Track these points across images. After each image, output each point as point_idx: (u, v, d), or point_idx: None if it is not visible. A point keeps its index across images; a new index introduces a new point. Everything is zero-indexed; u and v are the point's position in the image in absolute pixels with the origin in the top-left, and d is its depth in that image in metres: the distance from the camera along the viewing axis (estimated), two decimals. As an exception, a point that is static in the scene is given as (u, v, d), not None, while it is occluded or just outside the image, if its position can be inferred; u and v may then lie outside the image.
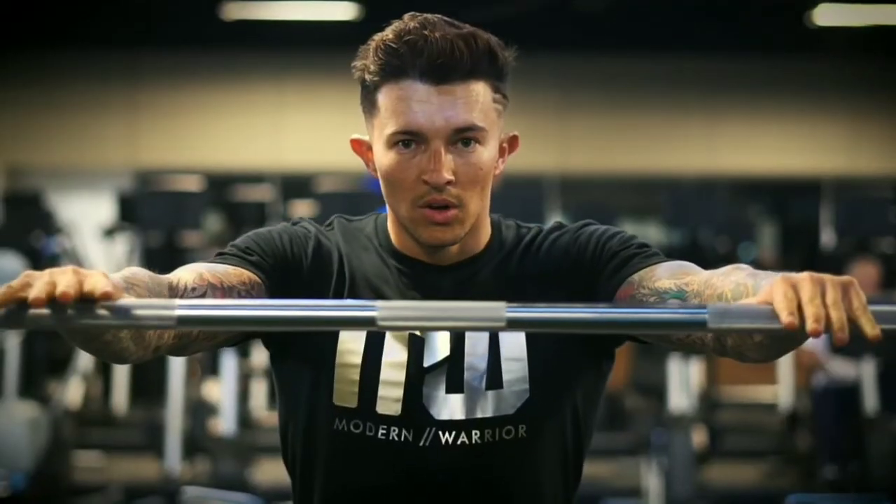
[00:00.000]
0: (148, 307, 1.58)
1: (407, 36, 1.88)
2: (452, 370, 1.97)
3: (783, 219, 12.73)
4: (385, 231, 2.05)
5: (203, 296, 1.84)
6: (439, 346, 1.97)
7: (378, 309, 1.59)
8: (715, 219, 9.94)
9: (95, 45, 12.72)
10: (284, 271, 1.99)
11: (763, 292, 1.56)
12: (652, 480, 7.23)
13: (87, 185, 12.96)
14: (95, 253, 10.52)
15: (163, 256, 9.39)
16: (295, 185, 12.42)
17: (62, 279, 1.53)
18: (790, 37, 12.42)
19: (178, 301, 1.59)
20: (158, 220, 9.44)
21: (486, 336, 1.97)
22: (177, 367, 7.10)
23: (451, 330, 1.91)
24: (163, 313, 1.56)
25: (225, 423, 7.09)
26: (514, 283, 2.01)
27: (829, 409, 7.65)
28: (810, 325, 1.50)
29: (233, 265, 1.94)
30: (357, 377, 1.96)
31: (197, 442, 7.29)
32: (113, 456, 8.50)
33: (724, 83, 13.21)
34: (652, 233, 13.00)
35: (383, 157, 1.93)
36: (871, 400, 7.28)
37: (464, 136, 1.91)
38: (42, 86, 12.93)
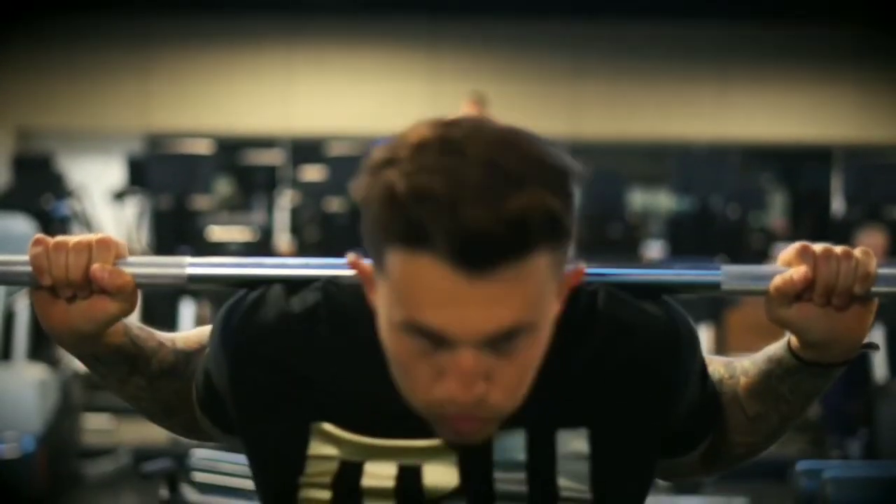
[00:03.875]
0: (158, 265, 1.59)
1: (428, 199, 1.29)
2: None
3: (793, 186, 12.68)
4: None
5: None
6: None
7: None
8: (725, 186, 9.93)
9: (107, 8, 12.69)
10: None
11: (780, 258, 1.55)
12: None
13: (98, 148, 12.96)
14: (105, 216, 10.52)
15: (172, 220, 9.41)
16: (305, 149, 12.41)
17: (73, 263, 1.58)
18: (801, 3, 12.36)
19: (188, 259, 1.59)
20: (168, 184, 9.46)
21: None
22: (186, 328, 7.10)
23: None
24: (174, 271, 1.58)
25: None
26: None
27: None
28: (819, 287, 1.49)
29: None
30: None
31: (206, 405, 7.29)
32: (122, 418, 8.50)
33: (735, 50, 13.15)
34: (662, 199, 12.98)
35: (389, 334, 1.38)
36: (880, 367, 7.26)
37: (506, 335, 1.34)
38: (53, 49, 12.92)
